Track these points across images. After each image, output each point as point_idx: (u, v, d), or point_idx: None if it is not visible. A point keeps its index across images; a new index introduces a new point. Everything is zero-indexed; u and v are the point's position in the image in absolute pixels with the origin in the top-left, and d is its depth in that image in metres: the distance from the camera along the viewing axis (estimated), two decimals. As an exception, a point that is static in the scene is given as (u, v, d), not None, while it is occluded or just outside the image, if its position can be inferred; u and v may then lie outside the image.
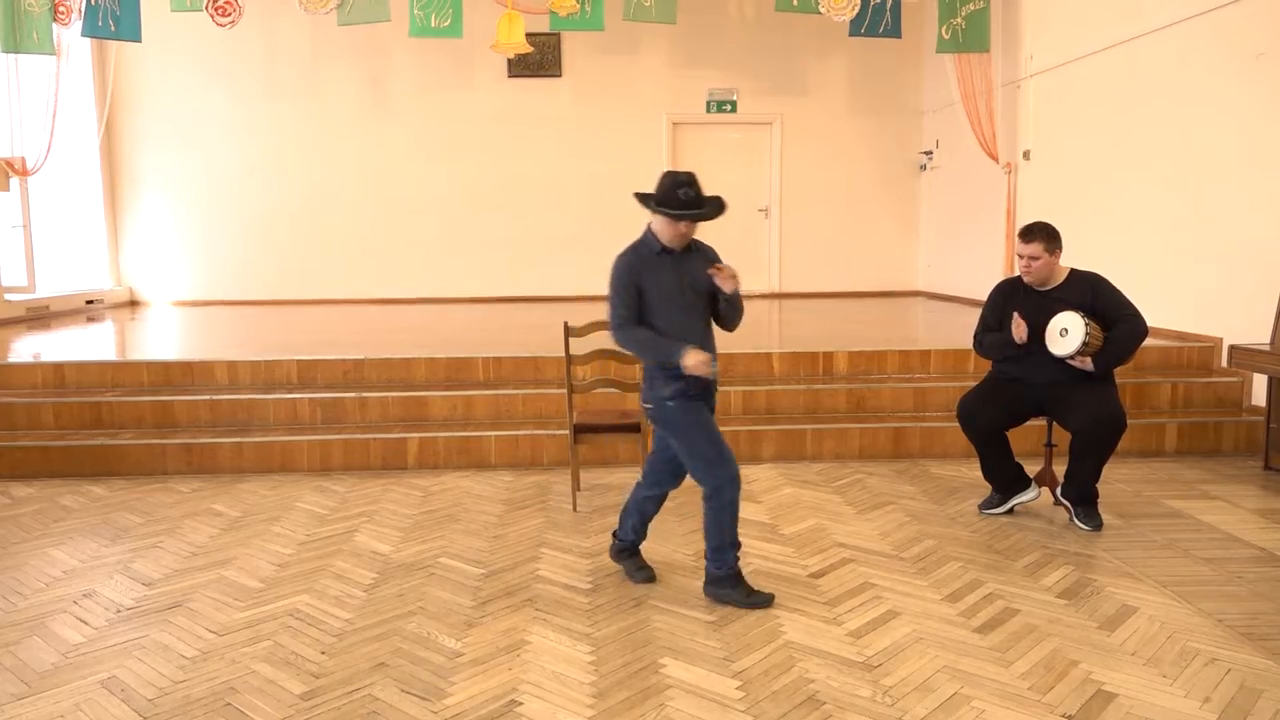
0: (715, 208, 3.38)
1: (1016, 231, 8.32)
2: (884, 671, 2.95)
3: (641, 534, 3.76)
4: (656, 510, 3.74)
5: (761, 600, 3.45)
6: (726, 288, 3.40)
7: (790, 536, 4.25)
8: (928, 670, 2.96)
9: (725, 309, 3.52)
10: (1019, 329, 4.18)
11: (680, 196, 3.31)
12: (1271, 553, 3.99)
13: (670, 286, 3.42)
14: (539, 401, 5.80)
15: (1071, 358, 4.12)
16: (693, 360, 3.28)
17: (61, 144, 9.48)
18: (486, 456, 5.54)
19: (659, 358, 3.38)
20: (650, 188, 3.44)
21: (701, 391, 3.48)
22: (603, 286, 3.53)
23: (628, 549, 3.77)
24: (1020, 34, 8.53)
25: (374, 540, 4.26)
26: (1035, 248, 4.20)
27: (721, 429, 5.47)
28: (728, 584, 3.47)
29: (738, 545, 3.50)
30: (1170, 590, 3.59)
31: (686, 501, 4.78)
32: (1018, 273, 4.36)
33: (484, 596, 3.59)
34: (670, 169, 3.43)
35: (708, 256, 3.53)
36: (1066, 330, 4.10)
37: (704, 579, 3.55)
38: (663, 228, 3.40)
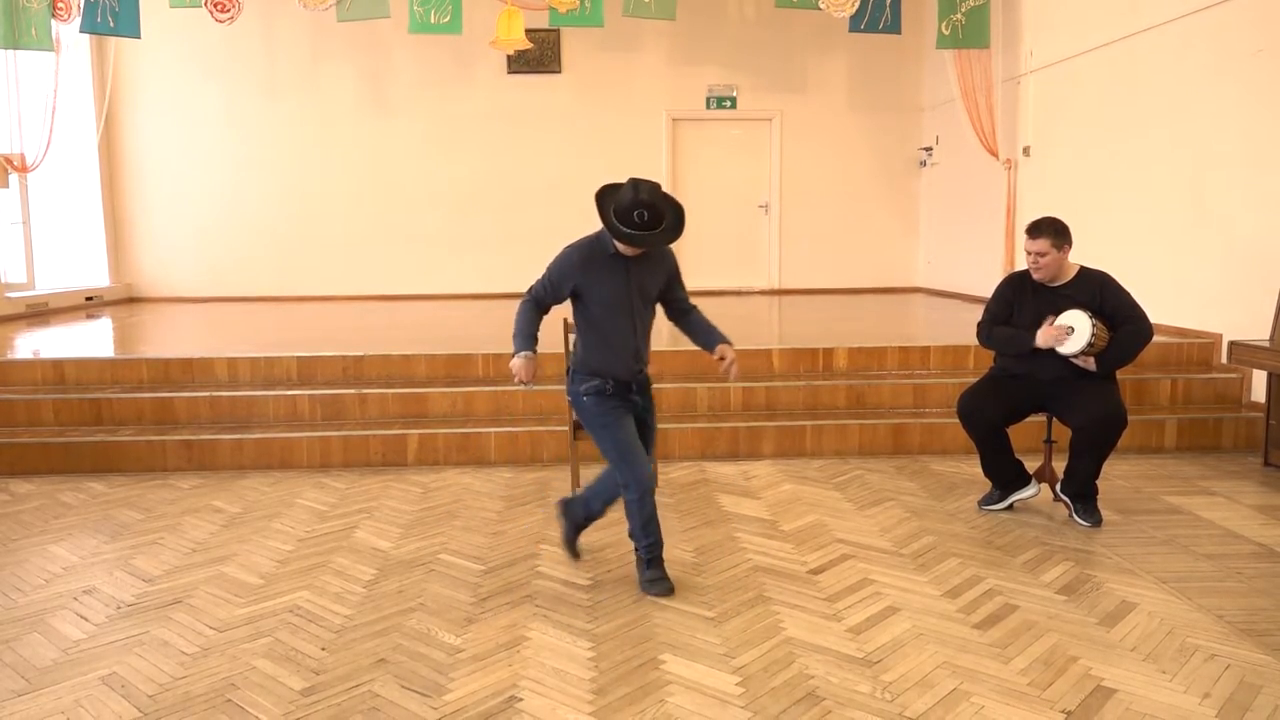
0: (664, 230, 3.28)
1: (1017, 227, 8.37)
2: (883, 667, 2.96)
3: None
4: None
5: (654, 587, 3.53)
6: (730, 376, 3.56)
7: (790, 533, 4.25)
8: (927, 666, 2.96)
9: (693, 330, 3.65)
10: (1045, 335, 4.14)
11: (635, 219, 3.21)
12: (1271, 549, 4.00)
13: (618, 291, 3.38)
14: (539, 398, 5.80)
15: (1076, 357, 4.11)
16: (515, 365, 3.46)
17: (60, 140, 9.47)
18: (486, 453, 5.54)
19: (514, 338, 3.53)
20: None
21: (619, 389, 3.48)
22: None
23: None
24: (1020, 30, 8.52)
25: (374, 536, 4.26)
26: (1042, 244, 4.18)
27: (720, 426, 5.56)
28: (641, 566, 3.58)
29: (647, 543, 3.54)
30: (1169, 586, 3.59)
31: (686, 499, 4.78)
32: (1024, 268, 4.35)
33: (484, 593, 3.59)
34: (636, 178, 3.32)
35: (664, 262, 3.49)
36: (1073, 329, 4.09)
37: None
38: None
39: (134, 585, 3.73)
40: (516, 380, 3.48)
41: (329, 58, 10.57)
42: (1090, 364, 4.14)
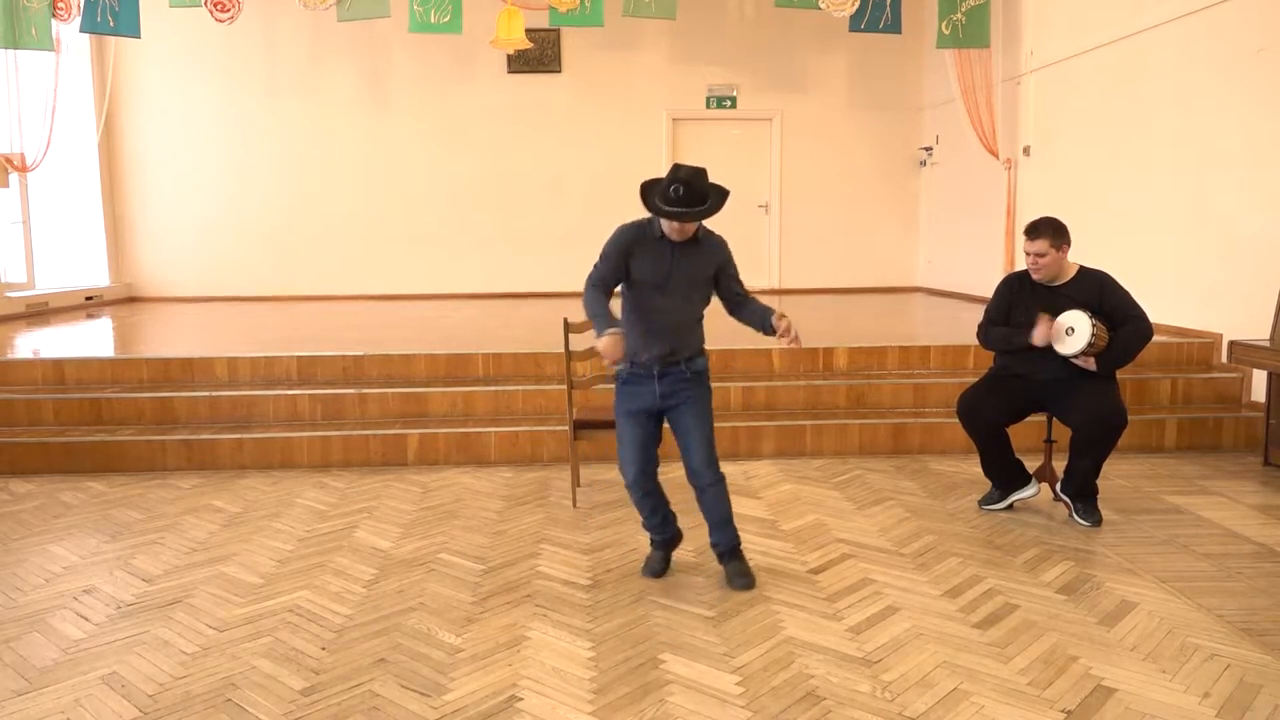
0: (707, 209, 3.35)
1: (1017, 227, 8.36)
2: (884, 667, 2.96)
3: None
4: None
5: (645, 567, 3.76)
6: (786, 341, 3.50)
7: (790, 532, 4.25)
8: (927, 666, 2.96)
9: (748, 318, 3.61)
10: (1041, 332, 4.12)
11: (671, 194, 3.30)
12: (1271, 548, 4.00)
13: (659, 273, 3.45)
14: (539, 397, 5.80)
15: (1076, 357, 4.11)
16: (601, 345, 3.29)
17: (61, 140, 9.48)
18: (486, 453, 5.54)
19: (592, 323, 3.44)
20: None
21: (644, 379, 3.52)
22: None
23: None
24: (1020, 30, 8.52)
25: (374, 536, 4.26)
26: (1041, 244, 4.18)
27: (720, 425, 5.55)
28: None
29: (650, 526, 3.73)
30: (1169, 586, 3.59)
31: (686, 498, 4.77)
32: (1024, 268, 4.35)
33: (484, 592, 3.59)
34: (678, 163, 3.42)
35: (712, 251, 3.53)
36: (1073, 329, 4.09)
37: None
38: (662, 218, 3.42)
39: (134, 585, 3.73)
40: (608, 362, 3.36)
41: (329, 57, 10.57)
42: (1090, 364, 4.14)
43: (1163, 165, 6.67)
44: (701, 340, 3.62)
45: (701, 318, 3.63)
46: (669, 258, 3.44)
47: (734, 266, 3.61)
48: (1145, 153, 6.87)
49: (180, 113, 10.63)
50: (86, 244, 10.55)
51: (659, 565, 3.75)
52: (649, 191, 3.40)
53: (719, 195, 3.39)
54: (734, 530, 3.68)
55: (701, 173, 3.36)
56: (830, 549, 4.03)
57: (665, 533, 3.75)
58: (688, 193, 3.29)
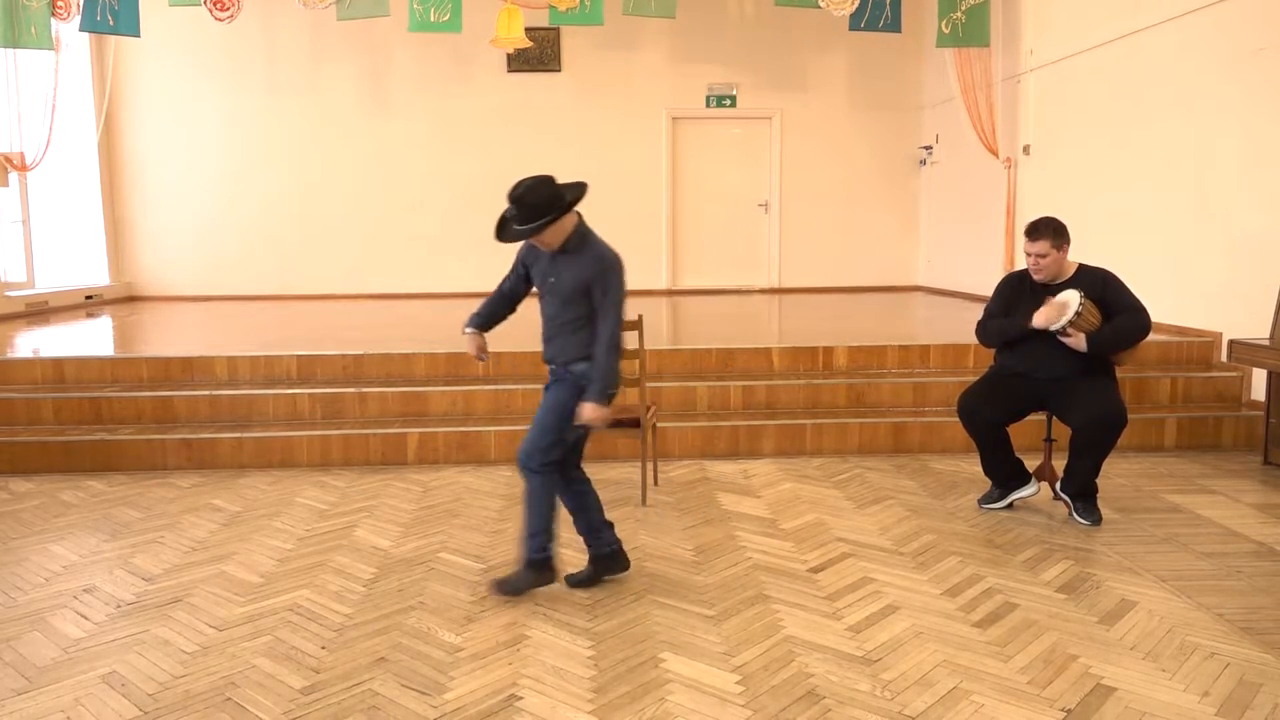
0: (545, 222, 3.28)
1: (1017, 226, 8.36)
2: (883, 666, 2.96)
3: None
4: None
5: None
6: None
7: (790, 531, 4.25)
8: (927, 665, 2.96)
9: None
10: (1043, 312, 4.11)
11: (508, 215, 3.39)
12: (1270, 547, 4.00)
13: (540, 281, 3.57)
14: (538, 396, 5.76)
15: (1063, 331, 4.08)
16: (465, 342, 3.71)
17: (60, 139, 9.47)
18: (486, 452, 5.54)
19: None
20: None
21: (552, 377, 3.63)
22: None
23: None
24: (1020, 29, 8.52)
25: (374, 535, 4.26)
26: (1042, 245, 4.17)
27: (720, 424, 5.57)
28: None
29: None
30: (1169, 585, 3.59)
31: (685, 497, 4.78)
32: (1024, 267, 4.35)
33: (484, 591, 3.59)
34: (521, 178, 3.36)
35: (583, 264, 3.40)
36: (1065, 305, 4.08)
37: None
38: None
39: (134, 584, 3.73)
40: (472, 355, 3.73)
41: (329, 57, 10.57)
42: (1080, 342, 4.09)
43: (1163, 164, 6.67)
44: (583, 347, 3.44)
45: (584, 325, 3.44)
46: (548, 266, 3.51)
47: (606, 290, 3.37)
48: (1145, 152, 6.86)
49: (180, 112, 10.63)
50: (86, 243, 10.54)
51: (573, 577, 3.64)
52: (505, 222, 3.43)
53: (575, 193, 3.38)
54: (536, 541, 3.48)
55: (538, 185, 3.31)
56: (830, 548, 4.03)
57: (594, 547, 3.65)
58: (520, 210, 3.33)
